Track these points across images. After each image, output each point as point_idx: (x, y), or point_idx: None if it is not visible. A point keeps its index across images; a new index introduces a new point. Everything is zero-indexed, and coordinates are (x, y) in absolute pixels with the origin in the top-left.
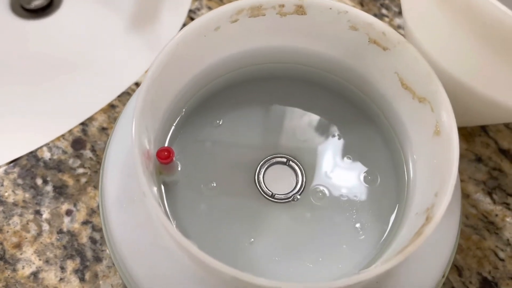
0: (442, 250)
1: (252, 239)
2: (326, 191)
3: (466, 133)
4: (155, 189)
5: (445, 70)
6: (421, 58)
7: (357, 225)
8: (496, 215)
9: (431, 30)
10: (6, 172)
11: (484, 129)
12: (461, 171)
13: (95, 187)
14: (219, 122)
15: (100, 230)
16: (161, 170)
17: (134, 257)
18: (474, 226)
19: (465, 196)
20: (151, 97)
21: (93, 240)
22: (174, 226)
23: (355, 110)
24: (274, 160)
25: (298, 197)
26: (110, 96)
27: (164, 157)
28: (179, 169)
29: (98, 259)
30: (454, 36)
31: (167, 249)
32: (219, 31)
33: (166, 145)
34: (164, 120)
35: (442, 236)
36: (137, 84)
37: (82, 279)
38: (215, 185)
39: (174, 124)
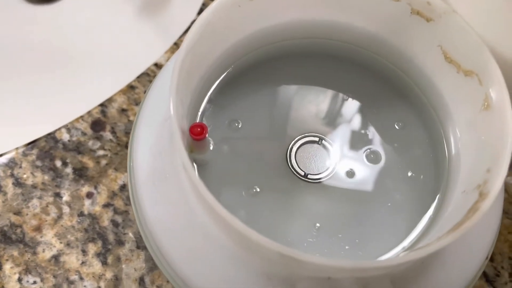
0: (487, 231)
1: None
2: (360, 169)
3: None
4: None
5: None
6: (470, 28)
7: (393, 206)
8: None
9: (474, 2)
10: (24, 154)
11: None
12: None
13: (116, 169)
14: (242, 110)
15: (122, 213)
16: (192, 148)
17: (167, 235)
18: (505, 210)
19: None
20: (187, 68)
21: (115, 223)
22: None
23: (389, 87)
24: (306, 139)
25: (332, 176)
26: (129, 77)
27: (197, 133)
28: (211, 148)
29: (120, 243)
30: (499, 9)
31: (202, 227)
32: (254, 1)
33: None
34: (195, 97)
35: (487, 215)
36: (156, 65)
37: (104, 263)
38: (245, 166)
39: (202, 106)
